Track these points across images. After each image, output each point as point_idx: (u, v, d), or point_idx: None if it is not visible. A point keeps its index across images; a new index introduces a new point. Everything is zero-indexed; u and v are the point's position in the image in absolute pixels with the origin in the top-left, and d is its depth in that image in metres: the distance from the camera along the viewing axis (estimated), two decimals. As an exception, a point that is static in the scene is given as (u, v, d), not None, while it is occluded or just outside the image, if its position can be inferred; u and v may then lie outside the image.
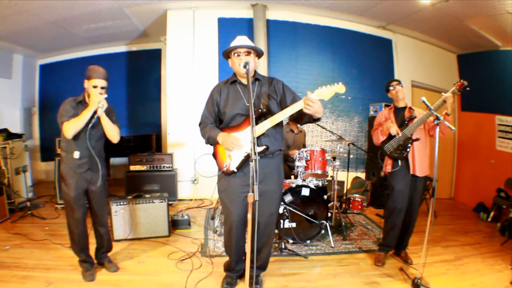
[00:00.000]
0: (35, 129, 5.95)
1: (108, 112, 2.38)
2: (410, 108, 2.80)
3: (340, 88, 2.00)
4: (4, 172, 3.89)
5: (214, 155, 2.26)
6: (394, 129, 2.69)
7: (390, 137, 2.75)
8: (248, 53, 2.11)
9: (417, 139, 2.66)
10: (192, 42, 4.80)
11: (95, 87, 2.29)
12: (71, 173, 2.35)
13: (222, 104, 2.20)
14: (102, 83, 2.31)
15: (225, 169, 2.16)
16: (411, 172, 2.69)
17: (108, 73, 2.38)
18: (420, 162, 2.68)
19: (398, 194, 2.71)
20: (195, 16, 4.80)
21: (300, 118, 2.13)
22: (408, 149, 2.67)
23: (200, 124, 2.29)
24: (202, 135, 2.25)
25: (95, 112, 2.26)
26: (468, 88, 2.47)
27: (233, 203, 2.17)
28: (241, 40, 2.14)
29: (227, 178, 2.20)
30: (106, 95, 2.33)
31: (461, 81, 2.48)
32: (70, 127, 2.23)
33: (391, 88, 2.84)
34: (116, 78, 6.12)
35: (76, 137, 2.30)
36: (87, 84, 2.32)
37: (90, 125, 2.27)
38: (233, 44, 2.13)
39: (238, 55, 2.11)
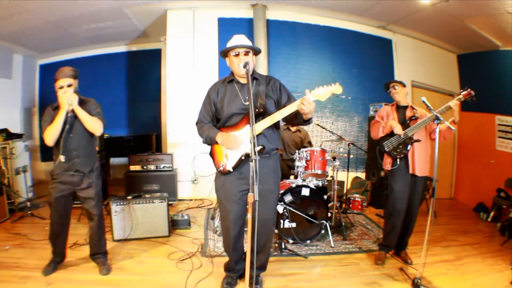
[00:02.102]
0: (35, 129, 5.94)
1: (89, 106, 2.39)
2: (412, 107, 2.79)
3: (336, 88, 1.98)
4: (4, 172, 3.89)
5: (211, 154, 2.25)
6: (398, 128, 2.68)
7: (391, 133, 2.74)
8: (247, 53, 2.09)
9: (418, 140, 2.66)
10: (192, 42, 4.80)
11: (60, 87, 2.30)
12: (57, 176, 2.38)
13: (219, 103, 2.19)
14: (66, 81, 2.31)
15: (221, 168, 2.17)
16: (411, 171, 2.68)
17: (76, 71, 2.37)
18: (420, 162, 2.68)
19: (398, 194, 2.70)
20: (195, 16, 4.80)
21: (292, 119, 2.12)
22: (408, 149, 2.67)
23: (197, 123, 2.28)
24: (200, 134, 2.24)
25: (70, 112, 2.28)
26: (474, 99, 2.47)
27: (230, 202, 2.17)
28: (239, 39, 2.12)
29: (223, 177, 2.20)
30: (71, 91, 2.31)
31: (469, 90, 2.47)
32: (48, 135, 2.27)
33: (390, 90, 2.86)
34: (116, 78, 6.13)
35: (58, 141, 2.31)
36: (57, 93, 2.33)
37: (67, 126, 2.28)
38: (231, 43, 2.12)
39: (237, 55, 2.09)
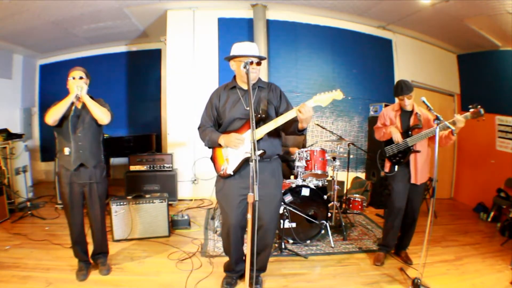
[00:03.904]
0: (35, 129, 5.94)
1: (97, 101, 2.41)
2: (416, 114, 2.70)
3: (337, 94, 2.01)
4: (4, 172, 3.88)
5: (212, 158, 2.26)
6: (396, 136, 2.66)
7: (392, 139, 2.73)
8: (259, 63, 2.10)
9: (417, 151, 2.65)
10: (192, 42, 4.80)
11: (73, 79, 2.34)
12: (65, 172, 2.37)
13: (221, 108, 2.21)
14: (78, 73, 2.36)
15: (222, 172, 2.17)
16: (412, 181, 2.69)
17: (88, 73, 2.44)
18: (421, 172, 2.68)
19: (397, 194, 2.71)
20: (195, 16, 4.80)
21: (287, 127, 2.11)
22: (406, 157, 2.67)
23: (199, 128, 2.29)
24: (202, 138, 2.25)
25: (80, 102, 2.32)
26: (484, 119, 2.37)
27: (230, 206, 2.18)
28: (251, 48, 2.10)
29: (223, 181, 2.21)
30: (84, 82, 2.36)
31: (478, 107, 2.38)
32: (50, 112, 2.26)
33: (400, 99, 2.71)
34: (116, 78, 6.13)
35: (64, 131, 2.32)
36: (68, 83, 2.37)
37: (71, 113, 2.29)
38: (242, 50, 2.09)
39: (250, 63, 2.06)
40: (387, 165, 2.80)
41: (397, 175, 2.73)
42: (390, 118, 2.82)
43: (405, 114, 2.77)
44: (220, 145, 2.17)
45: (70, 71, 2.38)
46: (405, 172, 2.71)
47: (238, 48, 2.11)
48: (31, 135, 5.80)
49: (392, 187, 2.75)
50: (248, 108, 2.11)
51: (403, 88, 2.64)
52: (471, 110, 2.41)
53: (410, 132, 2.67)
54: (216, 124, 2.28)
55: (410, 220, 2.78)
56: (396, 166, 2.72)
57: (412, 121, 2.72)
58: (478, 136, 4.96)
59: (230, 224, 2.19)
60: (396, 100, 2.82)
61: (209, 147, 2.26)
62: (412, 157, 2.68)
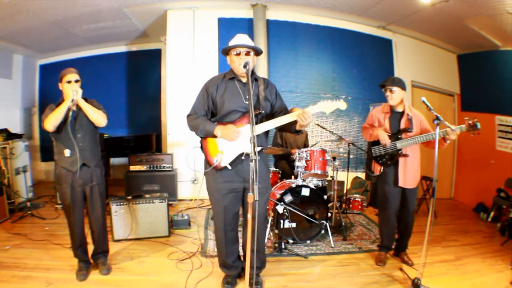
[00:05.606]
0: (35, 129, 5.94)
1: (91, 103, 2.42)
2: (407, 116, 2.64)
3: (342, 104, 2.07)
4: (4, 172, 3.89)
5: (203, 149, 2.20)
6: (383, 139, 2.63)
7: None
8: (248, 53, 2.10)
9: (405, 155, 2.63)
10: (192, 42, 4.80)
11: (68, 82, 2.33)
12: (66, 174, 2.37)
13: (219, 99, 2.17)
14: (74, 76, 2.36)
15: (216, 164, 2.12)
16: (400, 185, 2.66)
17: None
18: (410, 176, 2.66)
19: (388, 195, 2.70)
20: (195, 16, 4.80)
21: (286, 127, 2.17)
22: (394, 159, 2.66)
23: (189, 116, 2.23)
24: (193, 125, 2.18)
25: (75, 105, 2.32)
26: (479, 133, 2.36)
27: (222, 198, 2.18)
28: (242, 39, 2.13)
29: (216, 174, 2.17)
30: (79, 85, 2.36)
31: (475, 120, 2.36)
32: (49, 119, 2.26)
33: (384, 90, 2.68)
34: (116, 78, 6.13)
35: (63, 134, 2.32)
36: (61, 86, 2.36)
37: (70, 118, 2.28)
38: (233, 42, 2.13)
39: (238, 54, 2.10)
40: (377, 167, 2.76)
41: (386, 176, 2.72)
42: (378, 119, 2.76)
43: (395, 116, 2.70)
44: (214, 136, 2.13)
45: (63, 74, 2.36)
46: (393, 174, 2.68)
47: (231, 41, 2.14)
48: (31, 135, 5.80)
49: (381, 188, 2.75)
50: (247, 102, 2.12)
51: (387, 80, 2.67)
52: (468, 122, 2.38)
53: (400, 136, 2.64)
54: (209, 114, 2.23)
55: (405, 224, 2.77)
56: (382, 168, 2.72)
57: (403, 123, 2.66)
58: (478, 136, 4.94)
59: (222, 217, 2.20)
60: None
61: (201, 137, 2.21)
62: (401, 160, 2.65)
